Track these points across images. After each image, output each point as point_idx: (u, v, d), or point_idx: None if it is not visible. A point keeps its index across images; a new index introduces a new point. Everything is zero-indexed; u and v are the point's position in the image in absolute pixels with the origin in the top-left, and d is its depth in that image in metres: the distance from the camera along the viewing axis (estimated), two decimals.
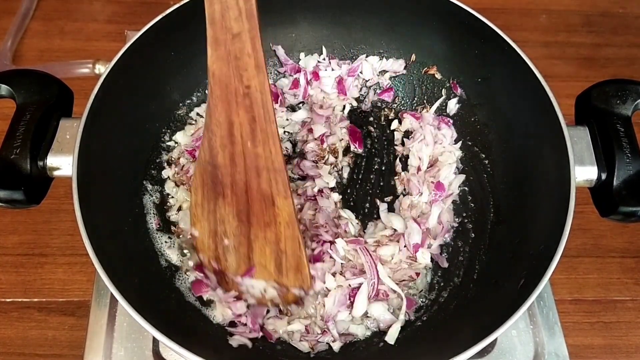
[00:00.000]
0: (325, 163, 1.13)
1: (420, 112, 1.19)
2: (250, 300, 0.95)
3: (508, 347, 1.02)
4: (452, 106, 1.17)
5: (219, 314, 0.96)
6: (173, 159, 1.11)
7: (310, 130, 1.16)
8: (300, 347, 0.94)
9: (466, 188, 1.11)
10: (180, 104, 1.14)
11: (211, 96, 0.77)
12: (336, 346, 0.93)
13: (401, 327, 0.94)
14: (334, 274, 0.98)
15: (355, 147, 1.17)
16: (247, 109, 0.76)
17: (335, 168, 1.14)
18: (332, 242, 1.01)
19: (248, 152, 0.80)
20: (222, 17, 0.71)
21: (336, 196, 1.10)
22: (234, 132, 0.78)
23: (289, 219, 0.85)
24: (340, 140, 1.17)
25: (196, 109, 1.16)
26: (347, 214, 1.08)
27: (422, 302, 1.00)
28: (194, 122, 1.15)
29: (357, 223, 1.07)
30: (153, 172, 1.08)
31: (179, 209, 1.07)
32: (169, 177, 1.08)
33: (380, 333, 0.95)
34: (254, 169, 0.81)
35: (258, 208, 0.85)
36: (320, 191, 1.09)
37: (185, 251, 1.02)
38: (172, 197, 1.08)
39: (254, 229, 0.87)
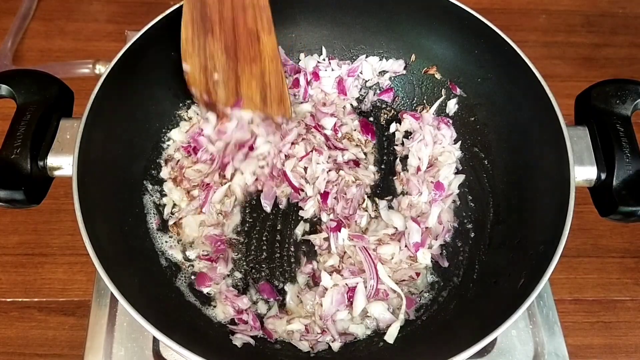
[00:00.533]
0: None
1: (420, 112, 1.20)
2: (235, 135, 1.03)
3: (508, 347, 1.02)
4: (452, 106, 1.17)
5: (220, 312, 0.96)
6: (169, 155, 1.11)
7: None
8: (300, 346, 0.94)
9: (466, 188, 1.11)
10: (180, 104, 1.14)
11: None
12: (336, 346, 0.94)
13: (401, 326, 0.94)
14: (331, 273, 0.98)
15: (368, 138, 1.18)
16: None
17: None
18: (338, 229, 1.02)
19: None
20: None
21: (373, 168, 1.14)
22: None
23: (273, 54, 0.94)
24: (354, 130, 1.18)
25: (193, 107, 1.16)
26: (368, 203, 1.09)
27: (422, 302, 0.99)
28: (188, 119, 1.15)
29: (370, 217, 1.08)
30: (153, 172, 1.08)
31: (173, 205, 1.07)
32: (167, 177, 1.09)
33: (380, 332, 0.95)
34: (240, 6, 0.90)
35: (244, 43, 0.93)
36: (356, 162, 1.12)
37: (187, 253, 1.02)
38: (168, 196, 1.08)
39: (241, 63, 0.95)
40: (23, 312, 1.12)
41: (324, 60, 1.23)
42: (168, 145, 1.12)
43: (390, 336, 0.93)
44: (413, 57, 1.20)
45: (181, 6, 1.04)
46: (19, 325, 1.11)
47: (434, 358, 0.75)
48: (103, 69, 1.14)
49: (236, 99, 1.00)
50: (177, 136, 1.12)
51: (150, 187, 1.06)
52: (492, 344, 1.02)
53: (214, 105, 1.01)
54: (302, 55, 1.24)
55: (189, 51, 0.98)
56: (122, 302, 0.76)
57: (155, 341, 1.00)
